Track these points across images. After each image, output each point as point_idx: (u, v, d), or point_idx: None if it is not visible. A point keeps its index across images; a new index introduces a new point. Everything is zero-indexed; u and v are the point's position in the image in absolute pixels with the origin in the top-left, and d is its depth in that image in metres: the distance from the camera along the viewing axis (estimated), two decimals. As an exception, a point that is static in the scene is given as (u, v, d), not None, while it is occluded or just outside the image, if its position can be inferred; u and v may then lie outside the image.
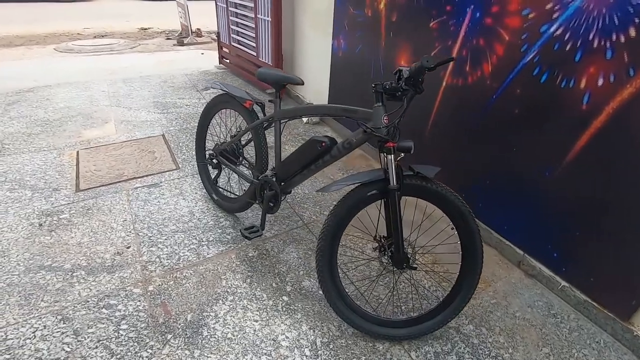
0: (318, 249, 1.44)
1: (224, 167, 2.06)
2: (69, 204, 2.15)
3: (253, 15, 3.78)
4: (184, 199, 2.26)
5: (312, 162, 1.59)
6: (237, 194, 2.23)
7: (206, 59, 5.45)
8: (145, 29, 8.14)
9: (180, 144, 2.91)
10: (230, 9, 4.21)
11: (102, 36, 7.06)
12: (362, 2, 2.51)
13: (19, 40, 6.43)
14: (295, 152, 1.63)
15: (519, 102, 1.67)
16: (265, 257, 1.87)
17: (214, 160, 2.07)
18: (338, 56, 2.94)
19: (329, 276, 1.45)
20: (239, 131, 2.02)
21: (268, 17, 3.52)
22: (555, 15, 1.46)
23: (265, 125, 1.80)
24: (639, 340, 1.46)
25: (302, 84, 1.64)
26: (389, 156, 1.32)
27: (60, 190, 2.26)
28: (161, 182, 2.40)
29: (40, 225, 1.96)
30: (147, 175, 2.46)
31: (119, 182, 2.38)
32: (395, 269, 1.44)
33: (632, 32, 1.26)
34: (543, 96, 1.56)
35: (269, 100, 1.78)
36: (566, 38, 1.44)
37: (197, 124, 3.21)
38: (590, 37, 1.37)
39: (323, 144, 1.52)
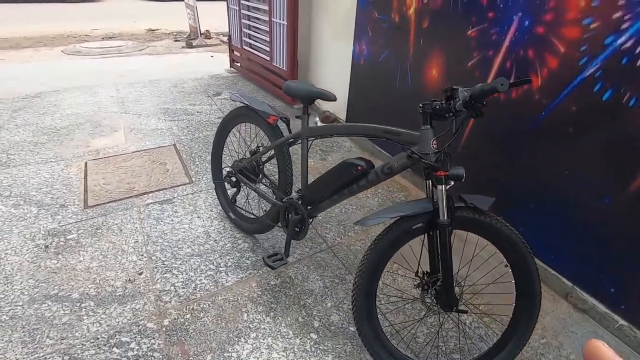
0: (355, 287, 1.28)
1: (244, 185, 1.91)
2: (77, 222, 2.01)
3: (267, 19, 3.63)
4: (198, 217, 2.11)
5: (345, 187, 1.43)
6: (256, 213, 2.08)
7: (216, 62, 5.31)
8: (153, 30, 8.04)
9: (193, 154, 2.77)
10: (242, 11, 4.07)
11: (110, 38, 6.96)
12: (388, 7, 2.35)
13: (26, 41, 6.34)
14: (326, 174, 1.48)
15: (575, 121, 1.50)
16: (289, 285, 1.71)
17: (233, 178, 1.92)
18: (359, 63, 2.78)
19: (366, 317, 1.30)
20: (259, 147, 1.87)
21: (283, 20, 3.37)
22: (624, 26, 1.29)
23: (290, 142, 1.65)
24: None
25: (335, 99, 1.49)
26: (440, 186, 1.16)
27: (67, 207, 2.12)
28: (174, 198, 2.26)
29: (47, 247, 1.83)
30: (159, 190, 2.32)
31: (130, 197, 2.24)
32: (441, 311, 1.28)
33: None
34: (605, 115, 1.40)
35: (296, 116, 1.62)
36: (637, 51, 1.27)
37: (209, 133, 3.11)
38: (669, 51, 1.20)
39: (359, 168, 1.36)
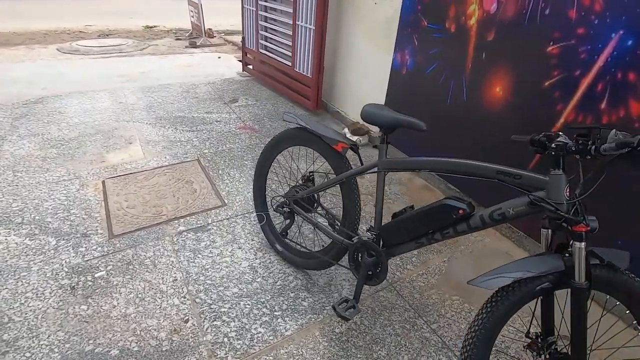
0: (466, 357, 1.10)
1: (301, 218, 1.70)
2: (103, 256, 1.77)
3: (289, 21, 3.40)
4: (240, 248, 1.90)
5: (438, 230, 1.24)
6: (309, 247, 1.88)
7: (225, 64, 5.05)
8: (151, 27, 7.69)
9: (220, 171, 2.54)
10: (260, 12, 3.83)
11: (107, 35, 6.60)
12: (442, 16, 2.16)
13: (17, 38, 5.95)
14: (416, 214, 1.29)
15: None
16: (356, 334, 1.52)
17: (285, 209, 1.71)
18: (400, 74, 2.59)
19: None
20: (312, 173, 1.67)
21: (311, 24, 3.15)
22: None
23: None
24: None
25: (425, 129, 1.29)
26: (578, 244, 0.98)
27: (90, 237, 1.88)
28: (209, 225, 2.04)
29: (73, 288, 1.59)
30: (190, 215, 2.09)
31: (159, 224, 2.01)
32: (562, 380, 1.11)
33: None
34: None
35: (374, 146, 1.42)
36: None
37: (233, 146, 2.87)
38: None
39: (460, 212, 1.18)
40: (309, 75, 3.39)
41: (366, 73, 2.99)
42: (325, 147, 1.51)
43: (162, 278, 1.68)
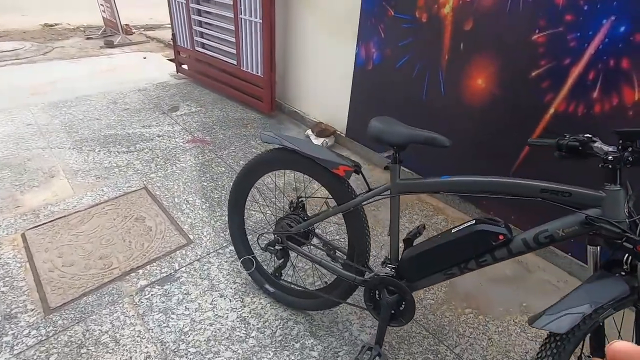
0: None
1: (298, 255, 1.44)
2: (41, 342, 1.35)
3: (231, 15, 3.01)
4: (221, 296, 1.58)
5: (473, 259, 1.08)
6: (303, 282, 1.63)
7: (154, 66, 4.44)
8: (51, 25, 6.56)
9: (176, 199, 2.15)
10: (192, 5, 3.35)
11: (-5, 37, 5.46)
12: (412, 4, 1.99)
13: None
14: (444, 243, 1.11)
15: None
16: (381, 379, 1.33)
17: (277, 247, 1.43)
18: (366, 69, 2.39)
19: None
20: (301, 199, 1.41)
21: (256, 17, 2.81)
22: None
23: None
24: None
25: (449, 145, 1.10)
26: (645, 265, 0.88)
27: (17, 317, 1.43)
28: (177, 272, 1.68)
29: (5, 401, 1.17)
30: (150, 263, 1.71)
31: (111, 281, 1.60)
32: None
33: None
34: None
35: (385, 167, 1.20)
36: None
37: (185, 165, 2.45)
38: None
39: (500, 238, 1.02)
40: (259, 74, 3.04)
41: (326, 69, 2.74)
42: (321, 171, 1.26)
43: (131, 358, 1.32)
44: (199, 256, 1.77)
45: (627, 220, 0.89)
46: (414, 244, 1.23)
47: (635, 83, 1.40)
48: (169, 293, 1.57)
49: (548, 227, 0.99)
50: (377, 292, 1.26)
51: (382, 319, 1.25)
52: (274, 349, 1.39)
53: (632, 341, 0.91)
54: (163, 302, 1.53)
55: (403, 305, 1.23)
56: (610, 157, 0.89)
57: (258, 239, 1.50)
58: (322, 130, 2.82)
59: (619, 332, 1.04)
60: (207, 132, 2.92)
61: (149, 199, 2.13)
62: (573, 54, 1.51)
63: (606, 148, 0.96)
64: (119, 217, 1.98)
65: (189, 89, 3.74)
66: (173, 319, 1.47)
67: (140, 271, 1.66)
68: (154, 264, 1.71)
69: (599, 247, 0.99)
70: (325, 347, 1.41)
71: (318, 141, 2.83)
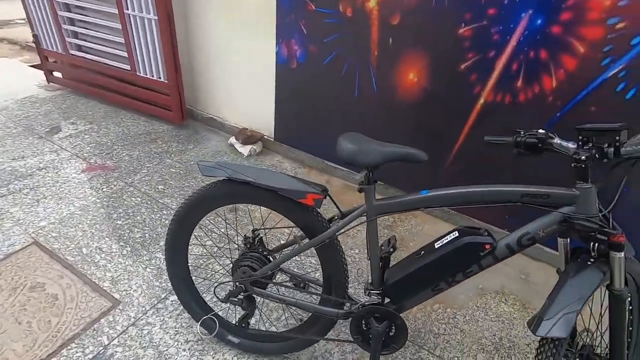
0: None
1: (268, 300, 1.24)
2: None
3: (115, 11, 2.49)
4: (175, 364, 1.30)
5: (462, 271, 1.05)
6: (272, 323, 1.43)
7: (11, 76, 3.52)
8: None
9: (84, 248, 1.71)
10: (56, -1, 2.69)
11: None
12: (333, -2, 1.87)
13: None
14: (430, 262, 1.04)
15: (594, 120, 1.50)
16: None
17: (239, 296, 1.20)
18: (289, 67, 2.22)
19: None
20: (256, 232, 1.22)
21: (149, 13, 2.37)
22: (654, 27, 1.30)
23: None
24: None
25: (426, 160, 1.02)
26: (618, 254, 0.93)
27: None
28: (107, 348, 1.32)
29: None
30: (64, 345, 1.32)
31: (12, 387, 1.19)
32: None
33: None
34: (627, 114, 1.43)
35: (359, 190, 1.06)
36: (666, 52, 1.31)
37: (85, 203, 1.94)
38: (699, 51, 1.27)
39: (487, 247, 1.00)
40: (162, 79, 2.62)
41: (244, 69, 2.47)
42: (285, 202, 1.07)
43: None
44: (133, 319, 1.43)
45: (599, 214, 0.93)
46: (393, 262, 1.16)
47: (553, 72, 1.52)
48: (102, 379, 1.23)
49: (529, 229, 0.99)
50: (363, 322, 1.16)
51: (373, 350, 1.15)
52: (255, 413, 1.19)
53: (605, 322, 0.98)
54: (97, 394, 1.19)
55: (393, 331, 1.15)
56: (582, 157, 0.91)
57: (215, 290, 1.26)
58: (248, 137, 2.57)
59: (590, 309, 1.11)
60: (106, 155, 2.42)
61: (44, 256, 1.65)
62: (497, 46, 1.58)
63: (566, 144, 0.99)
64: (7, 290, 1.49)
65: (70, 102, 3.05)
66: (117, 413, 1.15)
67: (59, 356, 1.27)
68: (73, 344, 1.32)
69: (569, 239, 1.04)
70: (312, 391, 1.27)
71: (245, 149, 2.58)
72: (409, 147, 1.01)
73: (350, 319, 1.15)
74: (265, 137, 2.62)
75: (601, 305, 1.05)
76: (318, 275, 1.66)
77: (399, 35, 1.78)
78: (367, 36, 1.86)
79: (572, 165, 0.94)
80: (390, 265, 1.16)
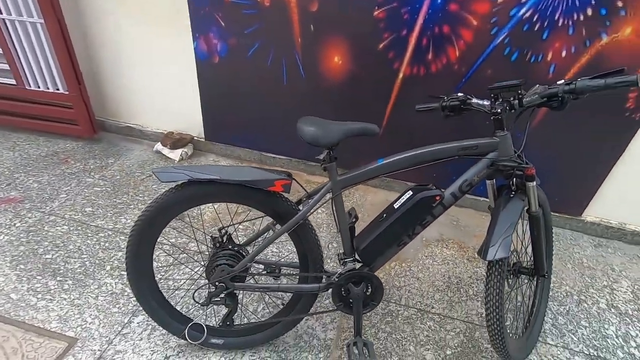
0: (493, 321, 1.17)
1: (250, 292, 1.25)
2: None
3: (-19, 16, 2.10)
4: (160, 382, 1.25)
5: (419, 224, 1.20)
6: (254, 315, 1.43)
7: None
8: None
9: (12, 294, 1.48)
10: None
11: None
12: (248, -12, 1.86)
13: None
14: (393, 222, 1.17)
15: (491, 81, 1.80)
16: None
17: (220, 296, 1.19)
18: (212, 63, 2.15)
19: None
20: (224, 230, 1.22)
21: (32, 16, 2.05)
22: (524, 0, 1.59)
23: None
24: (585, 224, 2.12)
25: (379, 132, 1.12)
26: (532, 183, 1.17)
27: None
28: (78, 389, 1.20)
29: None
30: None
31: None
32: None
33: (589, 12, 1.56)
34: (514, 73, 1.75)
35: (323, 169, 1.13)
36: (535, 19, 1.62)
37: (2, 242, 1.64)
38: (556, 17, 1.60)
39: (437, 198, 1.16)
40: (61, 91, 2.31)
41: (161, 70, 2.30)
42: (253, 194, 1.10)
43: None
44: (99, 352, 1.32)
45: (515, 154, 1.15)
46: (358, 231, 1.27)
47: (455, 43, 1.76)
48: (81, 422, 1.12)
49: (466, 177, 1.18)
50: (342, 290, 1.25)
51: (356, 311, 1.26)
52: (257, 402, 1.22)
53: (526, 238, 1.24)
54: None
55: (370, 290, 1.27)
56: (498, 110, 1.11)
57: (193, 296, 1.22)
58: (176, 141, 2.43)
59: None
60: (7, 186, 2.07)
61: (-39, 314, 1.39)
62: (408, 25, 1.76)
63: (482, 102, 1.20)
64: None
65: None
66: None
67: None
68: (32, 398, 1.17)
69: (494, 180, 1.27)
70: (306, 367, 1.34)
71: (175, 154, 2.45)
72: (361, 122, 1.11)
73: (331, 289, 1.24)
74: (196, 138, 2.51)
75: (522, 231, 1.31)
76: (287, 259, 1.71)
77: (319, 21, 1.86)
78: (289, 24, 1.90)
79: (491, 118, 1.14)
80: (356, 234, 1.27)
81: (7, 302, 1.45)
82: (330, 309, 1.40)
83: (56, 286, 1.53)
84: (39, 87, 2.32)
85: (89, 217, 1.91)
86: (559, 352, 1.47)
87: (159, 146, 2.48)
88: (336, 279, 1.22)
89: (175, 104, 2.41)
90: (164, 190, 1.11)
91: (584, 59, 1.67)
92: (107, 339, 1.36)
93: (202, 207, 2.00)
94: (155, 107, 2.48)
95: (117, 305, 1.48)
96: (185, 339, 1.27)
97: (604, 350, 1.50)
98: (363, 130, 1.10)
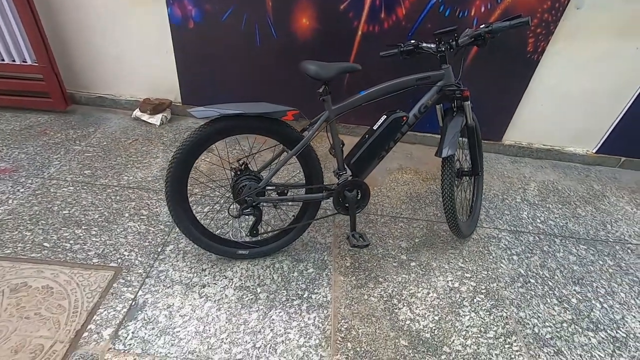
0: (448, 207, 1.65)
1: (271, 203, 1.59)
2: None
3: None
4: (203, 286, 1.56)
5: (392, 139, 1.61)
6: (270, 226, 1.77)
7: None
8: None
9: (46, 242, 1.65)
10: None
11: None
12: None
13: None
14: (375, 139, 1.57)
15: (430, 34, 2.24)
16: (358, 256, 1.80)
17: (248, 210, 1.51)
18: (187, 29, 2.31)
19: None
20: (244, 159, 1.53)
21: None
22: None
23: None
24: (505, 147, 2.74)
25: (361, 69, 1.48)
26: (467, 102, 1.64)
27: None
28: (137, 298, 1.47)
29: None
30: (91, 314, 1.41)
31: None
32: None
33: (497, -25, 2.04)
34: (448, 26, 2.19)
35: (322, 100, 1.47)
36: (459, -18, 2.06)
37: (12, 206, 1.74)
38: (476, -20, 2.05)
39: (404, 118, 1.58)
40: (30, 62, 2.31)
41: (134, 37, 2.40)
42: (270, 124, 1.41)
43: (175, 383, 1.23)
44: (144, 274, 1.58)
45: (456, 82, 1.60)
46: (347, 152, 1.65)
47: (402, 4, 2.15)
48: (149, 318, 1.41)
49: (422, 101, 1.60)
50: (339, 197, 1.64)
51: (352, 212, 1.66)
52: (284, 288, 1.59)
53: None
54: (152, 328, 1.38)
55: (360, 195, 1.67)
56: (442, 49, 1.53)
57: (228, 211, 1.53)
58: (155, 106, 2.57)
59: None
60: (-6, 158, 2.11)
61: (2, 263, 1.55)
62: (363, -12, 2.11)
63: (431, 45, 1.61)
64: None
65: None
66: (180, 331, 1.38)
67: (91, 327, 1.36)
68: (100, 309, 1.42)
69: (442, 104, 1.71)
70: (314, 261, 1.73)
71: (155, 119, 2.60)
72: (347, 62, 1.46)
73: (332, 198, 1.62)
74: (173, 103, 2.67)
75: (463, 148, 1.79)
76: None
77: (287, -15, 2.13)
78: (260, -11, 2.14)
79: (437, 56, 1.56)
80: (344, 154, 1.65)
81: (43, 250, 1.62)
82: (329, 214, 1.79)
83: (84, 233, 1.73)
84: (3, 60, 2.30)
85: (91, 178, 2.06)
86: (491, 231, 2.04)
87: (137, 112, 2.60)
88: (335, 188, 1.60)
89: (150, 71, 2.53)
90: (197, 126, 1.38)
91: (497, 12, 2.17)
92: (148, 263, 1.62)
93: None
94: (129, 76, 2.58)
95: (147, 240, 1.73)
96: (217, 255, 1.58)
97: (520, 226, 2.10)
98: (351, 68, 1.46)
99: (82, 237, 1.70)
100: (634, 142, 2.64)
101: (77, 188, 1.98)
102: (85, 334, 1.34)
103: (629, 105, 2.48)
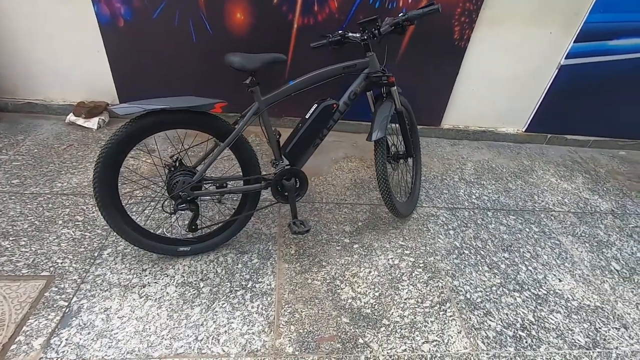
0: (384, 192, 1.73)
1: (208, 197, 1.58)
2: None
3: None
4: (144, 286, 1.53)
5: (325, 127, 1.66)
6: (207, 221, 1.76)
7: None
8: None
9: (-34, 259, 1.55)
10: None
11: None
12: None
13: None
14: (307, 127, 1.61)
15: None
16: (302, 243, 1.84)
17: (184, 205, 1.50)
18: (117, 27, 2.24)
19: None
20: (173, 160, 1.52)
21: None
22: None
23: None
24: (444, 130, 2.90)
25: (286, 59, 1.51)
26: (394, 88, 1.72)
27: None
28: (70, 305, 1.42)
29: None
30: (22, 323, 1.35)
31: None
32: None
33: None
34: (378, 14, 2.28)
35: (250, 91, 1.48)
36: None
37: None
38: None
39: (335, 105, 1.63)
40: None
41: (60, 40, 2.28)
42: (198, 118, 1.41)
43: (113, 384, 1.21)
44: (79, 280, 1.53)
45: (381, 68, 1.68)
46: (282, 142, 1.69)
47: (334, -3, 2.22)
48: (84, 323, 1.37)
49: (351, 88, 1.67)
50: (278, 186, 1.67)
51: (291, 200, 1.69)
52: (227, 281, 1.60)
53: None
54: (88, 332, 1.34)
55: (298, 183, 1.71)
56: (365, 37, 1.60)
57: (162, 207, 1.51)
58: (90, 110, 2.47)
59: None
60: None
61: None
62: (294, -19, 2.14)
63: (356, 35, 1.67)
64: None
65: None
66: (117, 333, 1.35)
67: (20, 338, 1.30)
68: (30, 320, 1.36)
69: (372, 91, 1.79)
70: (258, 252, 1.75)
71: (92, 123, 2.49)
72: (271, 53, 1.48)
73: (270, 187, 1.65)
74: (110, 105, 2.57)
75: (397, 134, 1.88)
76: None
77: (217, -20, 2.12)
78: (189, -16, 2.12)
79: (362, 44, 1.63)
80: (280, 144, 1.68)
81: (-36, 265, 1.52)
82: (268, 204, 1.82)
83: (12, 245, 1.64)
84: None
85: (20, 187, 1.95)
86: (430, 210, 2.16)
87: (71, 117, 2.48)
88: (273, 177, 1.63)
89: (82, 73, 2.43)
90: (121, 124, 1.35)
91: (423, 2, 2.28)
92: (84, 269, 1.57)
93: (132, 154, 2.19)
94: (60, 79, 2.45)
95: (83, 246, 1.67)
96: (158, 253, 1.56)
97: (457, 203, 2.24)
98: (276, 58, 1.48)
99: (9, 249, 1.61)
100: (556, 118, 2.88)
101: (4, 199, 1.86)
102: (14, 346, 1.28)
103: (549, 84, 2.70)
